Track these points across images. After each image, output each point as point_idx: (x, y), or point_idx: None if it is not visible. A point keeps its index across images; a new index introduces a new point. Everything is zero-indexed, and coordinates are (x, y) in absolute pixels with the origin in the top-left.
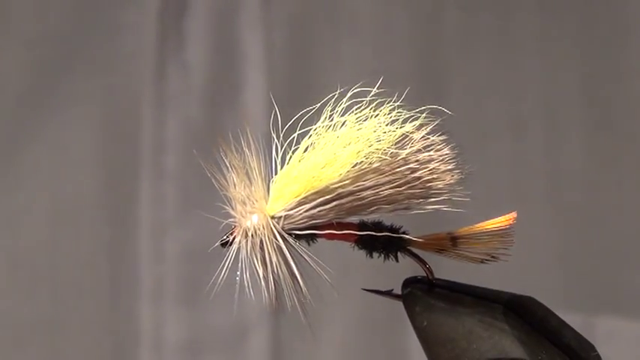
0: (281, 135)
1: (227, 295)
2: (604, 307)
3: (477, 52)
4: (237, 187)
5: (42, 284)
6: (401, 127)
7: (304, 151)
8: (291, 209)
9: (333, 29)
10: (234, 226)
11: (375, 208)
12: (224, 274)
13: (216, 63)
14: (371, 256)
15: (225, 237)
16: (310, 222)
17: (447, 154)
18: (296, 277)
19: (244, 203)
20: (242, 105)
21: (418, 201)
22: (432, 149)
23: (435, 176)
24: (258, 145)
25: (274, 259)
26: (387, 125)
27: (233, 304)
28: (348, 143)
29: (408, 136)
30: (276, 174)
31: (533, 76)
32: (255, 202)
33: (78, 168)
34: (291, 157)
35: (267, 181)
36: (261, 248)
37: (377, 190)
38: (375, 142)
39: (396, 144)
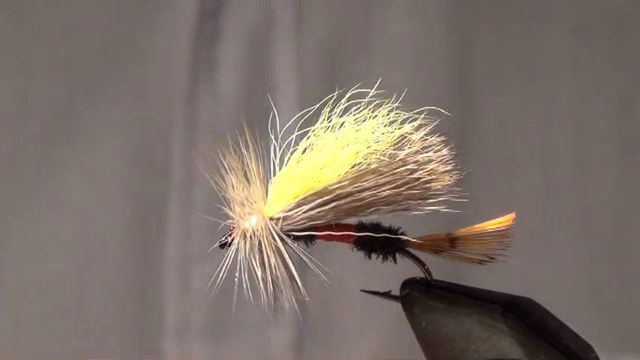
0: (279, 136)
1: (252, 329)
2: (633, 343)
3: (508, 81)
4: (235, 189)
5: (68, 317)
6: (399, 128)
7: (303, 152)
8: (290, 210)
9: (366, 55)
10: (233, 228)
11: (374, 209)
12: (250, 307)
13: (248, 92)
14: (369, 257)
15: (224, 238)
16: (309, 223)
17: (445, 155)
18: (294, 279)
19: (243, 204)
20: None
21: (417, 202)
22: (430, 150)
23: (433, 177)
24: (256, 146)
25: (272, 260)
26: (385, 126)
27: (258, 339)
28: (346, 144)
29: (406, 137)
30: (274, 175)
31: (564, 106)
32: (253, 203)
33: (106, 199)
34: (289, 158)
35: (266, 182)
36: (260, 250)
37: (376, 191)
38: (373, 144)
39: (394, 145)
